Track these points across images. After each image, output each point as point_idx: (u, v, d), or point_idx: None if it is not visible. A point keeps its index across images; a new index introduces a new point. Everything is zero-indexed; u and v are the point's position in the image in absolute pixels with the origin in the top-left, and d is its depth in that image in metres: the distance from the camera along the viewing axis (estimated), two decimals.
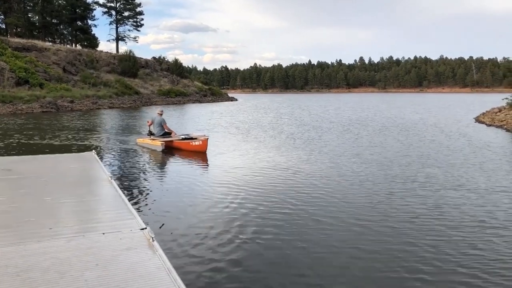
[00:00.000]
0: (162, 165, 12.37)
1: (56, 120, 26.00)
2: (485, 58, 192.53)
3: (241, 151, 14.36)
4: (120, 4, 72.88)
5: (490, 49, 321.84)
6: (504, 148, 14.90)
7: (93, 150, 10.23)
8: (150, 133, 15.31)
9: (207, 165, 12.06)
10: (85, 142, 15.97)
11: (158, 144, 13.97)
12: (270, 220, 6.69)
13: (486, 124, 23.79)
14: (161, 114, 15.22)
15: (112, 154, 13.57)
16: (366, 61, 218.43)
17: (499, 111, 27.07)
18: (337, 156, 13.11)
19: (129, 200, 5.78)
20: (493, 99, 64.32)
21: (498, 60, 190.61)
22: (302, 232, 6.16)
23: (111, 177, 6.83)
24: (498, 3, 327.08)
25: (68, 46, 61.06)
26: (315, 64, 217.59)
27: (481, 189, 8.90)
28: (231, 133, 20.03)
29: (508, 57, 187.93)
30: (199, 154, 13.26)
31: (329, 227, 6.41)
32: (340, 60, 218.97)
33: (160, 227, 6.36)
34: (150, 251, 3.82)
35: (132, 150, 14.33)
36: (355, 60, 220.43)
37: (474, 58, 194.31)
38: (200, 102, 61.12)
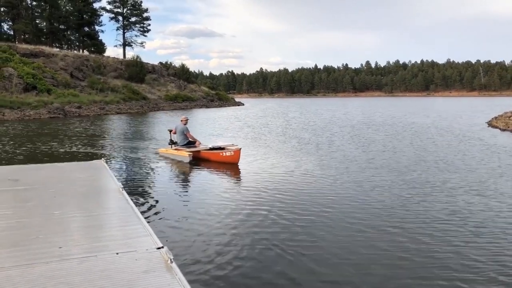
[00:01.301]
0: (180, 176, 11.34)
1: (64, 126, 25.85)
2: (493, 61, 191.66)
3: (270, 160, 13.30)
4: (127, 10, 73.04)
5: (497, 52, 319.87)
6: None
7: (103, 158, 9.93)
8: (172, 142, 14.00)
9: (239, 178, 10.80)
10: (94, 150, 15.62)
11: (184, 155, 12.66)
12: (300, 237, 6.17)
13: (500, 129, 23.31)
14: (185, 122, 13.94)
15: (123, 163, 13.02)
16: (373, 65, 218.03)
17: None
18: (352, 162, 12.74)
19: (142, 213, 5.42)
20: (503, 103, 63.87)
21: (506, 64, 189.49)
22: (328, 249, 5.74)
23: (122, 188, 6.53)
24: (504, 7, 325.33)
25: (75, 51, 61.21)
26: (321, 68, 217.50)
27: (507, 196, 8.57)
28: (250, 138, 19.60)
29: None
30: (230, 166, 11.95)
31: (356, 238, 6.08)
32: (347, 64, 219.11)
33: (177, 246, 5.75)
34: (168, 274, 3.49)
35: (144, 159, 13.66)
36: (362, 64, 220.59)
37: (481, 61, 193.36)
38: (207, 107, 60.98)
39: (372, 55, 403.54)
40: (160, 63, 71.11)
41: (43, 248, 4.06)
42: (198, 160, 12.74)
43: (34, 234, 4.47)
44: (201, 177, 11.13)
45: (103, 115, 37.98)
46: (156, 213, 7.41)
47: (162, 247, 4.03)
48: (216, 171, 11.56)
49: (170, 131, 14.32)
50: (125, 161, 13.38)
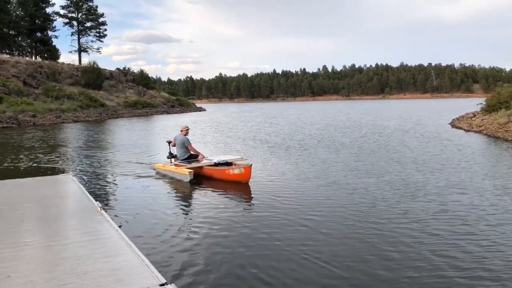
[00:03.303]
0: (173, 196, 9.60)
1: (19, 137, 24.24)
2: (443, 64, 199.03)
3: (277, 175, 11.43)
4: (82, 15, 70.62)
5: (447, 55, 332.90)
6: (494, 153, 14.73)
7: (71, 172, 9.09)
8: (171, 156, 12.02)
9: (250, 200, 8.88)
10: (58, 162, 14.25)
11: (184, 172, 10.52)
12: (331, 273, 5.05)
13: (464, 130, 23.71)
14: (185, 132, 11.89)
15: (95, 177, 11.42)
16: (330, 69, 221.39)
17: (474, 116, 27.23)
18: (354, 169, 12.19)
19: (130, 240, 4.69)
20: (456, 104, 66.08)
21: (456, 66, 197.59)
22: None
23: (100, 207, 5.81)
24: (452, 12, 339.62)
25: (27, 58, 58.40)
26: (280, 73, 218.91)
27: (489, 193, 8.84)
28: (238, 147, 18.88)
29: (465, 63, 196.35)
30: (239, 185, 9.97)
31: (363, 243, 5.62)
32: (304, 69, 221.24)
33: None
34: None
35: (120, 172, 12.13)
36: (319, 69, 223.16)
37: (433, 64, 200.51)
38: (168, 113, 59.59)
39: (328, 60, 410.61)
40: (118, 69, 69.10)
41: None
42: (200, 178, 10.74)
43: (4, 272, 3.73)
44: (202, 198, 9.20)
45: (60, 124, 36.15)
46: (147, 241, 6.03)
47: (166, 283, 3.41)
48: (222, 191, 9.65)
49: (169, 143, 12.35)
50: (97, 175, 11.84)
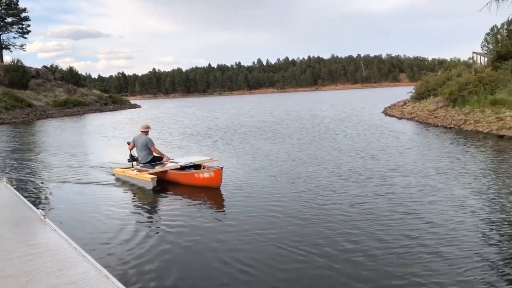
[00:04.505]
0: (125, 201, 8.75)
1: None
2: (372, 55, 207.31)
3: (231, 172, 10.65)
4: (1, 10, 65.98)
5: (375, 46, 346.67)
6: (426, 138, 15.67)
7: (4, 179, 8.42)
8: (132, 159, 10.79)
9: (222, 208, 8.00)
10: None
11: (146, 178, 9.43)
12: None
13: (397, 117, 24.82)
14: (145, 132, 10.68)
15: (30, 183, 10.42)
16: (264, 63, 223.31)
17: (404, 104, 28.58)
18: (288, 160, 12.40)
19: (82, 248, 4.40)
20: (386, 93, 69.14)
21: (383, 57, 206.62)
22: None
23: (44, 215, 5.43)
24: (378, 5, 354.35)
25: None
26: (215, 67, 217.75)
27: (432, 173, 9.33)
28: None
29: (391, 54, 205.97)
30: (208, 191, 8.95)
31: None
32: (240, 63, 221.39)
33: None
34: None
35: (56, 176, 11.17)
36: (254, 62, 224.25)
37: (362, 55, 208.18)
38: (101, 111, 57.25)
39: (263, 53, 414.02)
40: (45, 66, 65.39)
41: None
42: (164, 183, 9.67)
43: None
44: (162, 201, 8.59)
45: None
46: (102, 250, 5.56)
47: None
48: (185, 195, 8.85)
49: (129, 144, 11.08)
50: (35, 181, 10.79)
